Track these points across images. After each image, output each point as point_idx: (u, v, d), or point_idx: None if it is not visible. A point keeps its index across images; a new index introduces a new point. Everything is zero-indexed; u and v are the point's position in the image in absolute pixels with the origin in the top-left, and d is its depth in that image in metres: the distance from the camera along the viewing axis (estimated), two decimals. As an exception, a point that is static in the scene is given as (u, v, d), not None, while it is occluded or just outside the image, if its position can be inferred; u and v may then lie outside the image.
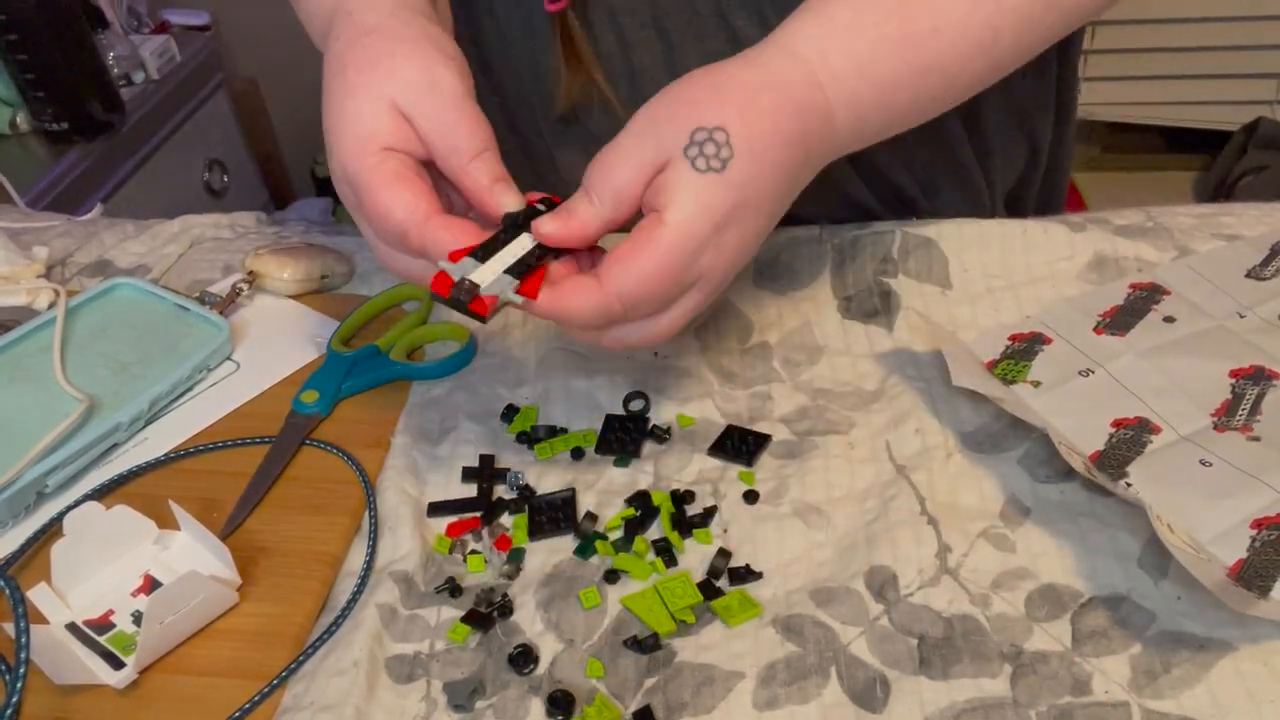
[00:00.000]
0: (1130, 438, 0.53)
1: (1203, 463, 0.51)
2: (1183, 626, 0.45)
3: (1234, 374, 0.56)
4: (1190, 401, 0.54)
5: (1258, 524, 0.47)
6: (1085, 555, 0.48)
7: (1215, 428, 0.53)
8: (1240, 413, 0.54)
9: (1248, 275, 0.62)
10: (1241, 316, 0.60)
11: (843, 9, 0.48)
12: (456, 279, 0.44)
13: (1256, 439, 0.52)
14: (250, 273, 0.68)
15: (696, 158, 0.44)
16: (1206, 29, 1.67)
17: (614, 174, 0.45)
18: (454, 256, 0.45)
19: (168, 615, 0.46)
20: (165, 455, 0.57)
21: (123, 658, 0.47)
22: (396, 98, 0.46)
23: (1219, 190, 1.66)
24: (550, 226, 0.46)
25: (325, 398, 0.59)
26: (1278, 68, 1.69)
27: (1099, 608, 0.46)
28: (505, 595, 0.49)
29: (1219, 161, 1.70)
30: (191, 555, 0.51)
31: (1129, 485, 0.50)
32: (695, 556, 0.50)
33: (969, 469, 0.53)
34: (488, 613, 0.48)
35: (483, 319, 0.45)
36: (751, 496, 0.53)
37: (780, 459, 0.55)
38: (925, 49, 0.49)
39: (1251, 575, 0.45)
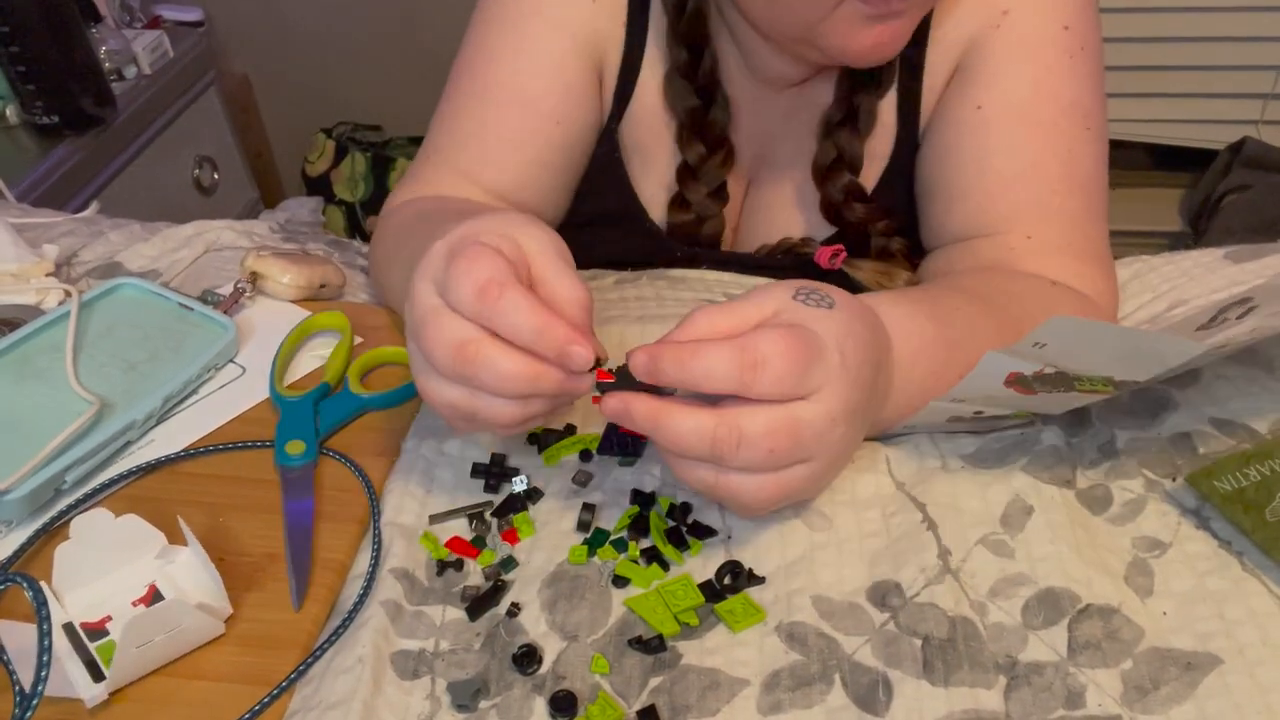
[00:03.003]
0: None
1: None
2: (1171, 643, 0.46)
3: None
4: None
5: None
6: (1081, 564, 0.49)
7: None
8: None
9: (1198, 329, 0.55)
10: None
11: (926, 324, 0.53)
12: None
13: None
14: (252, 273, 0.68)
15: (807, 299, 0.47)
16: (1193, 48, 1.69)
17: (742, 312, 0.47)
18: (600, 375, 0.47)
19: (141, 641, 0.45)
20: (175, 454, 0.57)
21: (104, 669, 0.46)
22: (518, 229, 0.48)
23: (1204, 208, 1.68)
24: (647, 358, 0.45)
25: (311, 447, 0.57)
26: (1263, 88, 1.71)
27: (1094, 616, 0.47)
28: (506, 585, 0.50)
29: (1204, 180, 1.72)
30: (195, 574, 0.50)
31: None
32: (698, 558, 0.51)
33: (971, 477, 0.54)
34: (491, 589, 0.49)
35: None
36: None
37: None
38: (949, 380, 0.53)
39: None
